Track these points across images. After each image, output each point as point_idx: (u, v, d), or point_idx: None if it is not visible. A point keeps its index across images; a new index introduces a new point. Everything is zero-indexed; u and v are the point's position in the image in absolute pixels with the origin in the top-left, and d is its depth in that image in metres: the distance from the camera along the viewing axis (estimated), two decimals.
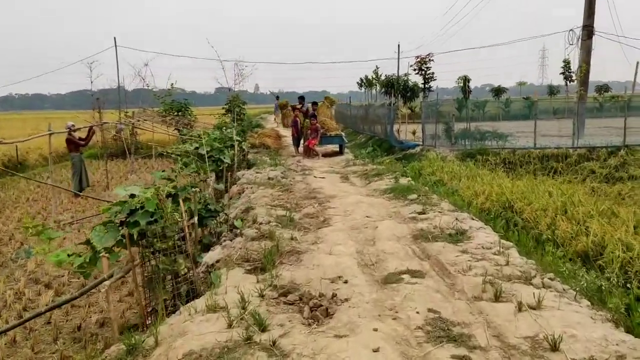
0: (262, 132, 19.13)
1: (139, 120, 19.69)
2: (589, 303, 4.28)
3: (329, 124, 17.78)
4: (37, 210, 11.98)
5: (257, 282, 4.78)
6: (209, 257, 5.79)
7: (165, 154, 11.45)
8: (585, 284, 4.84)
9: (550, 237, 7.01)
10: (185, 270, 4.96)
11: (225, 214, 7.52)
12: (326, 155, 17.26)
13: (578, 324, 3.75)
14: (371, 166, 13.41)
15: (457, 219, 6.88)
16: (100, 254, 4.58)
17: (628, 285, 5.14)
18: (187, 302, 4.63)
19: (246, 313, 3.95)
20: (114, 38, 27.10)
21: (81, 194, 13.24)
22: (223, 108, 23.54)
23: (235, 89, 24.51)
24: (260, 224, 6.88)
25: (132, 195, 4.75)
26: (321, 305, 4.18)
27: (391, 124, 20.85)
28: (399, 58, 52.03)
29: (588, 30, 19.19)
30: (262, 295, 4.40)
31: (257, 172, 11.66)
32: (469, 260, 5.27)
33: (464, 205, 8.66)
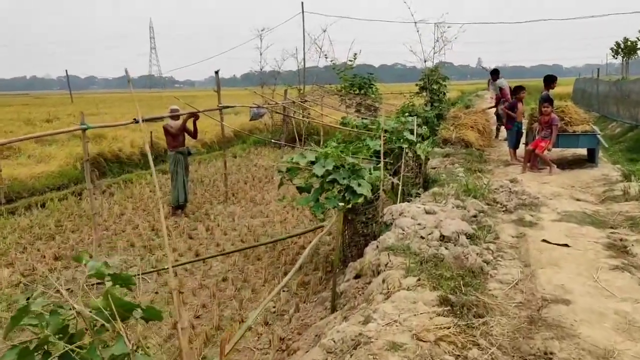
0: (462, 122, 13.09)
1: (302, 101, 15.42)
2: None
3: (572, 113, 10.90)
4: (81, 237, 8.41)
5: None
6: None
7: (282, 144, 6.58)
8: None
9: None
10: None
11: None
12: (563, 164, 10.60)
13: None
14: None
15: None
16: None
17: None
18: None
19: None
20: (302, 3, 23.40)
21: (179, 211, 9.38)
22: (417, 85, 17.94)
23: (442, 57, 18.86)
24: None
25: None
26: None
27: None
28: None
29: None
30: None
31: (426, 211, 6.10)
32: None
33: None
